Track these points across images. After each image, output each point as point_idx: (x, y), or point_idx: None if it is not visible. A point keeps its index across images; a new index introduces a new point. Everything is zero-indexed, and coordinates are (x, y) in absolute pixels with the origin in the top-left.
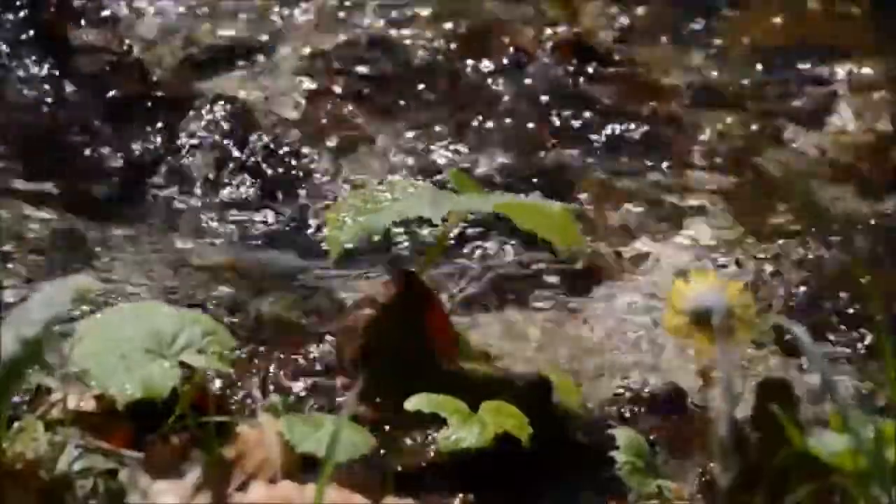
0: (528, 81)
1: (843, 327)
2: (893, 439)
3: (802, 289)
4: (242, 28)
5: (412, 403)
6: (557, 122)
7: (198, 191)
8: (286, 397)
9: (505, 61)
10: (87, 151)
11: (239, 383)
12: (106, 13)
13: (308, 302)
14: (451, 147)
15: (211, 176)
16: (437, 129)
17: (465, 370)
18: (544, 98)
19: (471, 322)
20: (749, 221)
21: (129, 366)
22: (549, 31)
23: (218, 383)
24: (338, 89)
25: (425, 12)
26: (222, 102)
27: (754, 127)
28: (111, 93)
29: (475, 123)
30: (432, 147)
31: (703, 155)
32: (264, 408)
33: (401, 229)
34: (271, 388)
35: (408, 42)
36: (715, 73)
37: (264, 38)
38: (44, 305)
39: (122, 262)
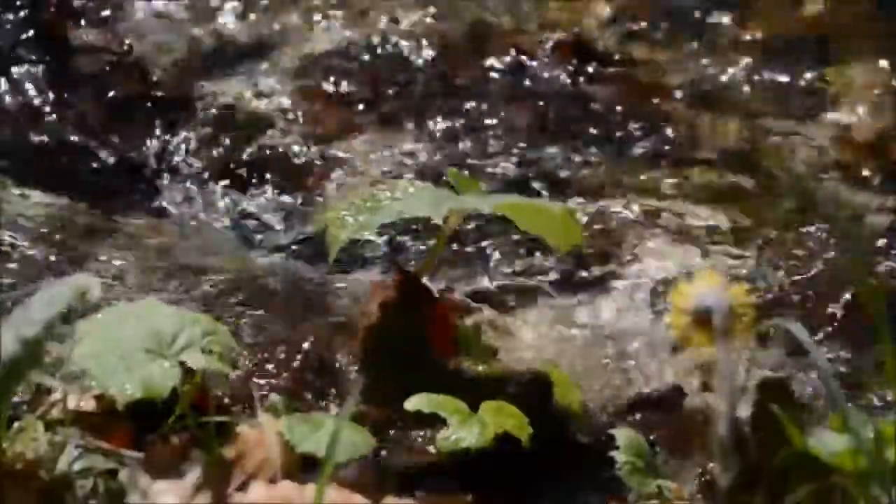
0: (528, 81)
1: (843, 326)
2: (893, 439)
3: (803, 287)
4: (242, 29)
5: (412, 403)
6: (557, 123)
7: (197, 191)
8: (286, 397)
9: (505, 62)
10: (87, 151)
11: (239, 383)
12: (106, 13)
13: (308, 302)
14: (451, 147)
15: (210, 176)
16: (437, 129)
17: (465, 370)
18: (544, 98)
19: (472, 321)
20: (750, 220)
21: (129, 366)
22: (549, 31)
23: (218, 383)
24: (338, 90)
25: (425, 13)
26: (222, 103)
27: (754, 126)
28: (111, 93)
29: (475, 123)
30: (432, 147)
31: (703, 154)
32: (264, 408)
33: (401, 229)
34: (271, 388)
35: (408, 42)
36: (715, 73)
37: (264, 38)
38: (44, 305)
39: (122, 263)
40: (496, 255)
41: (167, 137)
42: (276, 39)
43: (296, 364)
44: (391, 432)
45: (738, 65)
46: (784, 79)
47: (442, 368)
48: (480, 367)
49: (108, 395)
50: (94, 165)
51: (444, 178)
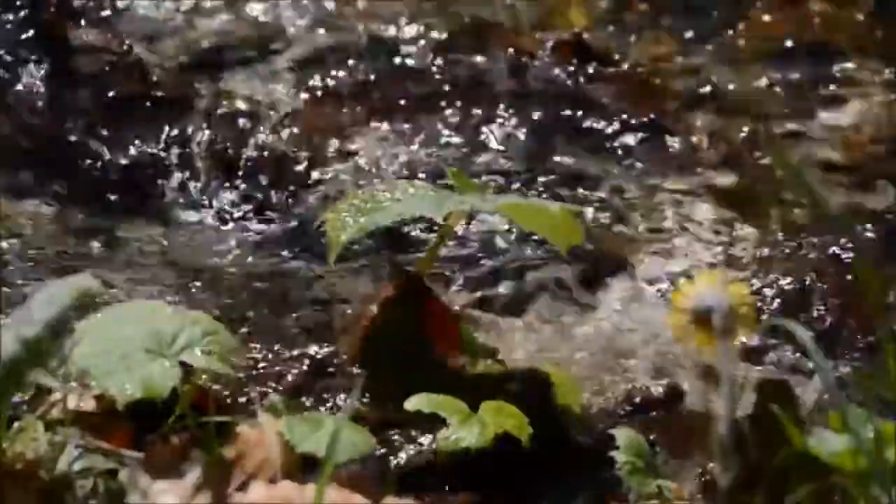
0: (528, 81)
1: (843, 325)
2: (893, 439)
3: (803, 287)
4: (242, 28)
5: (412, 403)
6: (557, 123)
7: (197, 190)
8: (286, 397)
9: (505, 61)
10: (87, 151)
11: (239, 383)
12: (106, 13)
13: (308, 302)
14: (452, 147)
15: (210, 175)
16: (438, 129)
17: (465, 370)
18: (544, 98)
19: (472, 321)
20: (751, 220)
21: (129, 366)
22: (549, 31)
23: (218, 383)
24: (338, 89)
25: (425, 12)
26: (222, 102)
27: (755, 126)
28: (111, 93)
29: (475, 124)
30: (433, 147)
31: (704, 154)
32: (264, 408)
33: (402, 228)
34: (271, 388)
35: (408, 42)
36: (715, 73)
37: (264, 38)
38: (44, 305)
39: (122, 262)
40: (496, 254)
41: (167, 137)
42: (276, 39)
43: (296, 364)
44: (391, 432)
45: (739, 65)
46: (784, 78)
47: (442, 368)
48: (480, 367)
49: (108, 395)
50: (94, 165)
51: (445, 178)
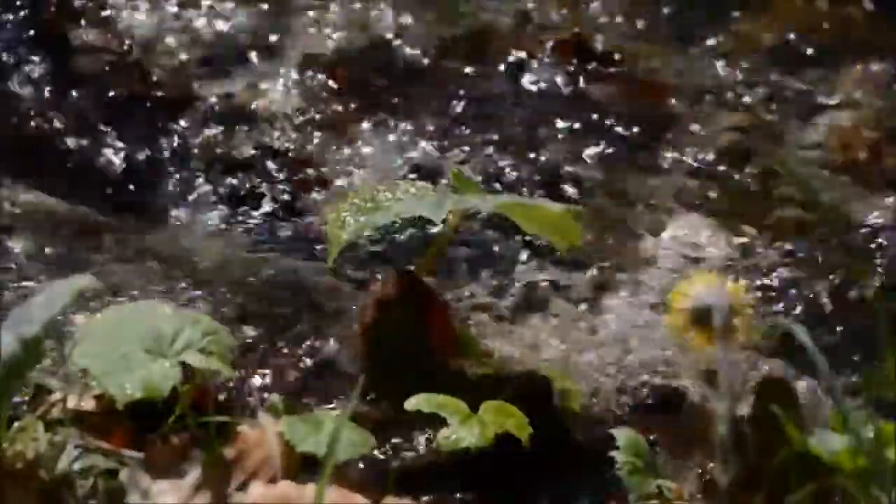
0: (528, 82)
1: (843, 326)
2: (893, 439)
3: (803, 287)
4: (242, 28)
5: (412, 403)
6: (557, 123)
7: (198, 191)
8: (286, 397)
9: (505, 61)
10: (87, 151)
11: (239, 383)
12: (106, 13)
13: (308, 301)
14: (452, 147)
15: (211, 176)
16: (438, 129)
17: (465, 370)
18: (544, 98)
19: (472, 320)
20: (750, 220)
21: (129, 366)
22: (549, 31)
23: (218, 383)
24: (338, 90)
25: (426, 12)
26: (222, 102)
27: (755, 126)
28: (111, 93)
29: (475, 124)
30: (433, 147)
31: (704, 154)
32: (264, 408)
33: (402, 228)
34: (271, 388)
35: (408, 43)
36: (715, 73)
37: (264, 38)
38: (44, 305)
39: (121, 263)
40: (497, 254)
41: (167, 137)
42: (276, 39)
43: (296, 364)
44: (391, 432)
45: (739, 64)
46: (785, 78)
47: (442, 368)
48: (480, 367)
49: (108, 395)
50: (94, 165)
51: (445, 178)
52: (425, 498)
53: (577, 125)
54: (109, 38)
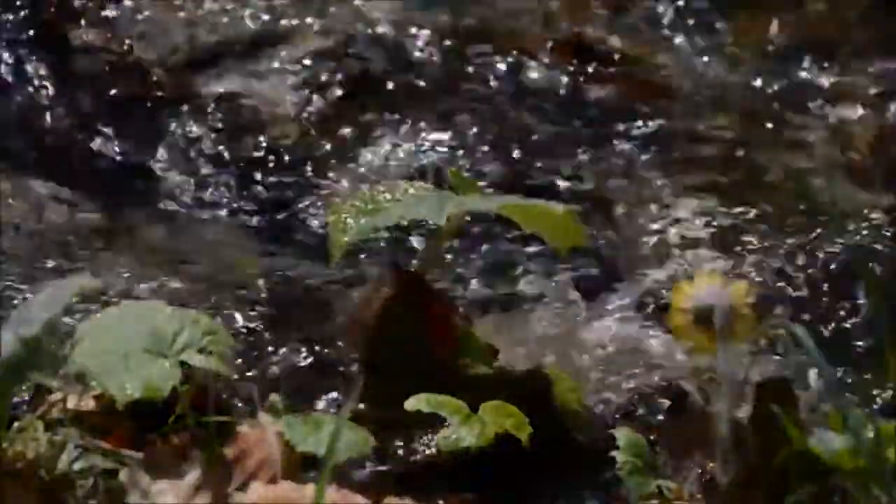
0: (528, 81)
1: (844, 326)
2: (893, 439)
3: (803, 287)
4: (242, 28)
5: (412, 403)
6: (557, 123)
7: (198, 191)
8: (286, 397)
9: (505, 61)
10: (87, 151)
11: (239, 383)
12: (106, 13)
13: (309, 300)
14: (452, 147)
15: (211, 175)
16: (438, 129)
17: (465, 370)
18: (544, 98)
19: (472, 321)
20: (751, 219)
21: (129, 366)
22: (549, 31)
23: (218, 383)
24: (338, 89)
25: (426, 12)
26: (222, 102)
27: (755, 125)
28: (111, 93)
29: (475, 124)
30: (433, 148)
31: (704, 154)
32: (264, 408)
33: (403, 227)
34: (271, 388)
35: (408, 42)
36: (716, 73)
37: (264, 37)
38: (44, 305)
39: (122, 263)
40: (497, 254)
41: (167, 137)
42: (276, 38)
43: (296, 364)
44: (391, 432)
45: (739, 64)
46: (785, 78)
47: (442, 368)
48: (480, 368)
49: (108, 395)
50: (95, 165)
51: (445, 178)
52: (425, 498)
53: (576, 125)
54: (109, 38)
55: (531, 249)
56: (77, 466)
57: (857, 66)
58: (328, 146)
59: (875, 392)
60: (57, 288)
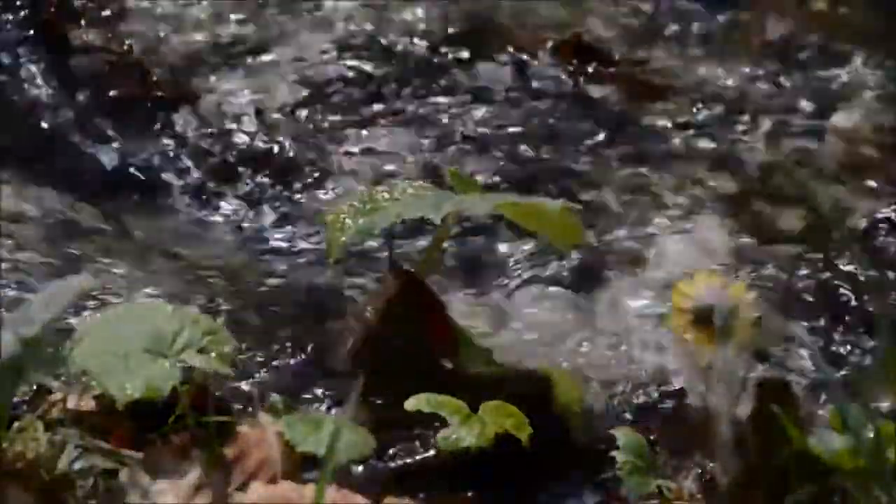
0: (528, 81)
1: (844, 327)
2: (893, 439)
3: (804, 288)
4: (242, 28)
5: (412, 403)
6: (558, 123)
7: (197, 190)
8: (286, 397)
9: (506, 61)
10: (87, 151)
11: (239, 383)
12: (106, 13)
13: (308, 302)
14: (451, 147)
15: (210, 175)
16: (437, 129)
17: (465, 370)
18: (544, 98)
19: (472, 320)
20: (752, 221)
21: (130, 366)
22: (550, 31)
23: (218, 383)
24: (337, 89)
25: (426, 11)
26: (222, 102)
27: (756, 126)
28: (111, 93)
29: (475, 123)
30: (431, 147)
31: (705, 154)
32: (264, 408)
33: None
34: (271, 388)
35: (408, 42)
36: (716, 73)
37: (264, 37)
38: (44, 305)
39: (122, 263)
40: (497, 253)
41: (167, 137)
42: (276, 38)
43: (296, 364)
44: (391, 432)
45: (740, 64)
46: (786, 78)
47: (442, 368)
48: (480, 367)
49: (108, 395)
50: (94, 165)
51: (444, 177)
52: (425, 498)
53: (576, 125)
54: (109, 38)
55: (530, 247)
56: (77, 466)
57: (858, 66)
58: (327, 147)
59: (875, 392)
60: (57, 288)
